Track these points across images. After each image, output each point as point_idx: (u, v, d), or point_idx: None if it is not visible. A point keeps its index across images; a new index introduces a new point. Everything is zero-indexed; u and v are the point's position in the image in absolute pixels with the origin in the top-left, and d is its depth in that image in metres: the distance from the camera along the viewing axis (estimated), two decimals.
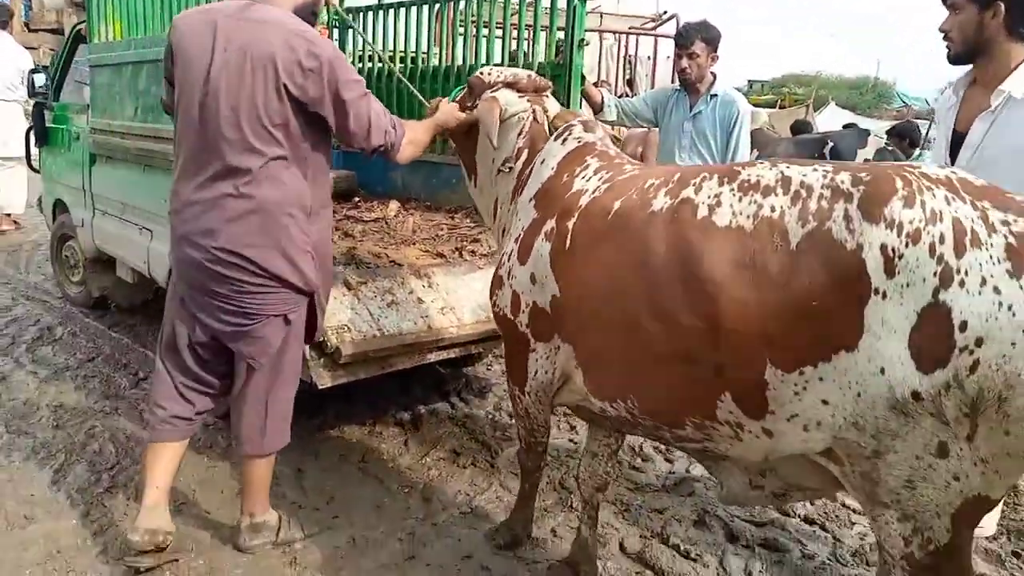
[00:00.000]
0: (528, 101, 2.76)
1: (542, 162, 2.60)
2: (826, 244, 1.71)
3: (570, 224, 2.30)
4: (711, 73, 4.11)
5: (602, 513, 3.14)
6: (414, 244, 3.82)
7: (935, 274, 1.58)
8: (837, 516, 3.23)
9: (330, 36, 5.42)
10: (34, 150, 5.96)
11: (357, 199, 4.85)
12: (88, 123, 4.81)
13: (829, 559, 2.95)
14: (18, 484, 3.20)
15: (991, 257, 1.55)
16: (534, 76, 2.87)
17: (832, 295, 1.69)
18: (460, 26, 4.78)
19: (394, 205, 4.49)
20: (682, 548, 2.95)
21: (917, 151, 6.97)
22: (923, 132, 7.40)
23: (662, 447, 3.73)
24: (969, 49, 2.63)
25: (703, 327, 1.87)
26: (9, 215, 8.26)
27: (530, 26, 4.32)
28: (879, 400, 1.65)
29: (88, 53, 4.84)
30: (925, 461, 1.66)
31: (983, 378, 1.54)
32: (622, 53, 9.73)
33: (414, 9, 4.84)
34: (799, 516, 3.24)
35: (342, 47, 5.41)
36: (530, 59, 4.21)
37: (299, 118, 2.47)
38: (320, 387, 2.98)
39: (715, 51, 4.04)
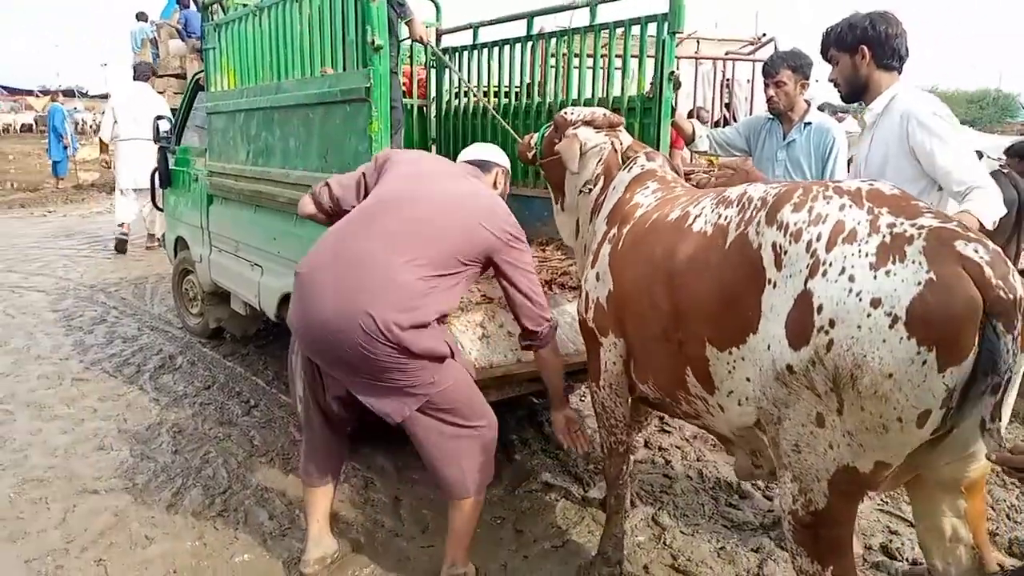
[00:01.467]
0: (605, 135, 3.16)
1: (614, 188, 3.00)
2: (744, 244, 2.05)
3: (624, 230, 2.71)
4: (805, 101, 4.02)
5: (697, 552, 3.12)
6: None
7: (808, 266, 1.85)
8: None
9: (427, 76, 5.63)
10: (159, 191, 6.42)
11: None
12: (206, 166, 5.17)
13: None
14: (141, 506, 3.43)
15: (859, 252, 1.78)
16: (608, 114, 3.25)
17: (745, 286, 2.02)
18: (551, 61, 4.87)
19: None
20: None
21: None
22: None
23: (760, 484, 3.63)
24: (852, 89, 3.06)
25: (672, 310, 2.28)
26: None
27: (619, 56, 4.35)
28: (769, 373, 1.95)
29: (206, 101, 5.22)
30: (808, 429, 1.91)
31: (837, 357, 1.77)
32: (719, 78, 9.61)
33: (507, 47, 4.97)
34: (907, 560, 3.09)
35: (439, 86, 5.61)
36: (620, 93, 4.24)
37: None
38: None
39: (805, 78, 3.95)
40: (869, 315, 1.72)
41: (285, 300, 4.07)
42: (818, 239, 1.86)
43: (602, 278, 2.76)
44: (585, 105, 4.37)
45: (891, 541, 3.22)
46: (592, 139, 3.14)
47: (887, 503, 3.59)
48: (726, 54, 9.63)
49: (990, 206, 2.64)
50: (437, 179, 2.79)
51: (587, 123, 3.20)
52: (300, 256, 2.77)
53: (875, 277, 1.73)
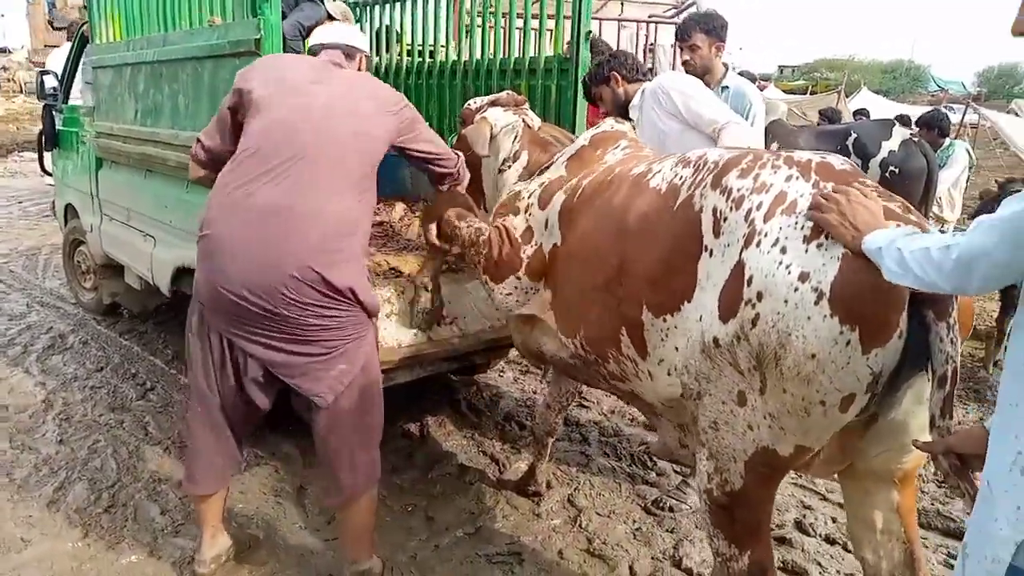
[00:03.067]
0: (514, 114, 3.13)
1: (576, 142, 2.87)
2: (688, 206, 1.95)
3: (585, 182, 2.56)
4: (723, 64, 3.91)
5: (612, 534, 3.04)
6: (417, 250, 3.69)
7: (744, 235, 1.75)
8: None
9: None
10: (46, 154, 5.93)
11: None
12: (93, 126, 4.75)
13: None
14: (17, 504, 3.13)
15: (795, 224, 1.69)
16: (511, 93, 3.29)
17: (683, 251, 1.92)
18: (467, 20, 4.63)
19: (400, 208, 4.36)
20: (695, 571, 2.81)
21: (947, 140, 6.63)
22: (955, 119, 7.08)
23: (676, 466, 3.58)
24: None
25: (616, 264, 2.16)
26: None
27: (536, 16, 4.15)
28: (696, 344, 1.86)
29: (91, 54, 4.78)
30: (728, 407, 1.84)
31: (762, 333, 1.68)
32: (643, 43, 9.49)
33: (421, 3, 4.69)
34: (819, 535, 3.08)
35: None
36: (537, 54, 4.04)
37: None
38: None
39: (720, 40, 3.83)
40: (796, 289, 1.64)
41: (179, 274, 3.78)
42: (758, 208, 1.76)
43: (551, 226, 2.62)
44: (501, 65, 4.21)
45: (804, 516, 3.21)
46: (502, 118, 3.12)
47: (801, 477, 3.59)
48: (649, 17, 9.49)
49: (742, 138, 2.96)
50: (311, 91, 2.45)
51: (493, 104, 3.21)
52: (194, 226, 2.50)
53: (807, 251, 1.65)
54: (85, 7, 7.05)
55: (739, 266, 1.74)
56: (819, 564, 2.90)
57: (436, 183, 2.92)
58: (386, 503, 3.21)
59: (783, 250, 1.68)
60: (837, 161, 1.85)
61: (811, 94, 24.77)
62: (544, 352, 2.79)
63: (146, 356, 4.77)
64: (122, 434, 3.75)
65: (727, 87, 3.91)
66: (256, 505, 3.18)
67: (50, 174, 6.07)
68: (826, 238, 1.64)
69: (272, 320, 2.30)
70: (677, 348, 1.96)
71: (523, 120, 3.13)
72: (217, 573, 2.69)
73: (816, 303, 1.61)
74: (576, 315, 2.46)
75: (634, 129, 3.01)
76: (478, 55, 4.40)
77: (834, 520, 3.17)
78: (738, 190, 1.83)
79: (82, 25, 5.38)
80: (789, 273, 1.65)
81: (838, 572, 2.86)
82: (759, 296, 1.69)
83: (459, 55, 4.59)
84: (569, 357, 2.62)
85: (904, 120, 9.51)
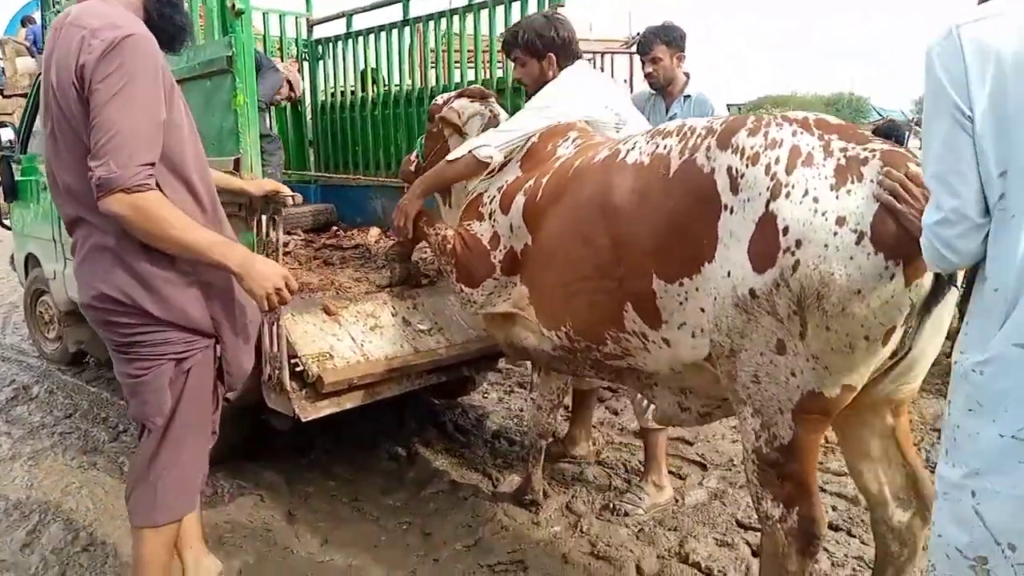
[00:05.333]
0: (480, 104, 3.20)
1: (528, 139, 2.87)
2: (691, 170, 1.98)
3: (544, 180, 2.60)
4: (684, 74, 4.01)
5: (615, 536, 2.98)
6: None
7: (768, 188, 1.80)
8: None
9: (300, 68, 5.32)
10: (3, 207, 5.80)
11: (336, 229, 4.70)
12: None
13: (858, 566, 2.76)
14: None
15: (818, 174, 1.76)
16: (479, 86, 3.40)
17: (696, 213, 1.94)
18: (431, 45, 4.70)
19: (374, 231, 4.35)
20: (703, 566, 2.75)
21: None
22: (906, 135, 7.32)
23: (676, 468, 3.54)
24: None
25: (609, 245, 2.18)
26: None
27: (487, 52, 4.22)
28: (727, 300, 1.88)
29: None
30: (767, 357, 1.86)
31: (803, 276, 1.73)
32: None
33: (383, 34, 4.75)
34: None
35: (313, 78, 5.32)
36: (503, 74, 4.10)
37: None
38: (304, 420, 2.78)
39: (680, 51, 3.93)
40: (835, 233, 1.71)
41: None
42: (776, 162, 1.81)
43: (516, 229, 2.68)
44: (456, 88, 4.26)
45: None
46: (469, 107, 3.18)
47: None
48: (604, 48, 9.74)
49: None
50: None
51: (460, 96, 3.26)
52: None
53: (837, 197, 1.72)
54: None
55: (769, 218, 1.79)
56: (826, 550, 2.86)
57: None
58: (379, 523, 3.11)
59: (815, 199, 1.74)
60: (831, 117, 1.91)
61: None
62: (527, 347, 2.80)
63: (115, 400, 4.59)
64: (97, 475, 3.59)
65: (689, 95, 4.00)
66: (244, 535, 3.04)
67: (9, 228, 5.92)
68: (852, 183, 1.72)
69: None
70: (703, 309, 1.98)
71: (490, 111, 3.18)
72: None
73: (858, 243, 1.68)
74: (560, 308, 2.49)
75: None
76: (443, 81, 4.46)
77: (835, 508, 3.14)
78: (751, 148, 1.86)
79: (39, 74, 5.32)
80: (826, 219, 1.71)
81: (846, 555, 2.83)
82: (798, 244, 1.74)
83: (425, 83, 4.64)
84: (552, 350, 2.66)
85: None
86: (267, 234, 2.71)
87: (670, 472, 3.41)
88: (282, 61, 5.20)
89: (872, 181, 1.70)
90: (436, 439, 3.96)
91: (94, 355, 5.24)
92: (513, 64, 3.18)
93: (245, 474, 3.49)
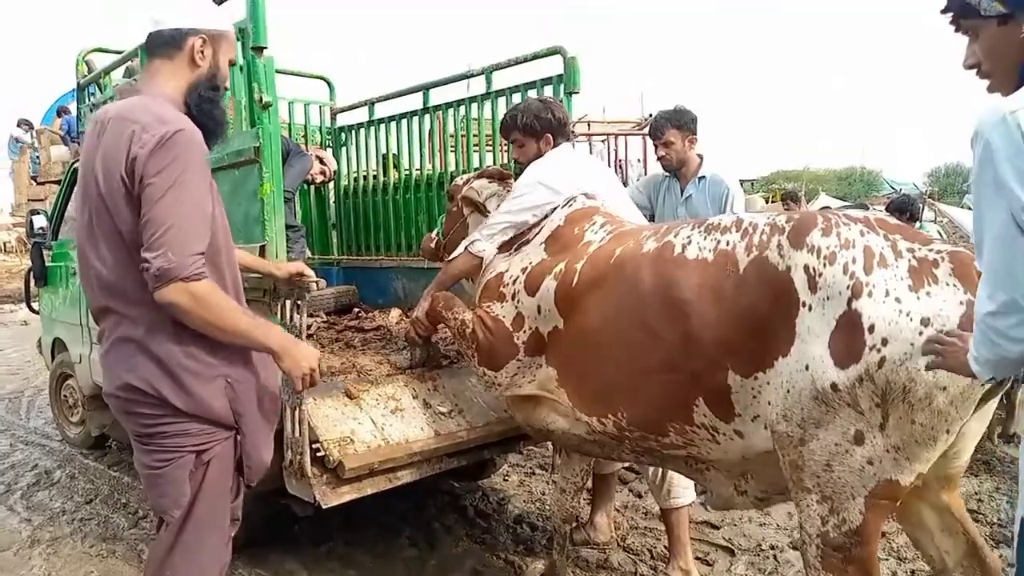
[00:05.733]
0: (499, 184, 3.34)
1: (548, 219, 2.94)
2: (765, 268, 2.07)
3: (578, 266, 2.64)
4: (697, 156, 4.08)
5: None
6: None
7: (848, 287, 1.90)
8: None
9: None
10: (33, 292, 5.92)
11: (358, 310, 4.75)
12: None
13: None
14: None
15: (895, 275, 1.88)
16: (497, 168, 3.53)
17: (773, 310, 2.02)
18: (450, 130, 4.84)
19: (395, 313, 4.38)
20: None
21: (917, 224, 6.83)
22: (921, 207, 7.33)
23: (702, 554, 3.45)
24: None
25: (680, 341, 2.21)
26: None
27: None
28: (805, 393, 1.95)
29: None
30: (843, 447, 1.93)
31: (889, 371, 1.83)
32: (612, 157, 9.90)
33: (404, 121, 4.90)
34: None
35: (336, 164, 5.47)
36: (510, 162, 4.19)
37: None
38: (324, 506, 2.75)
39: (692, 134, 4.01)
40: (921, 333, 1.81)
41: None
42: (854, 262, 1.92)
43: (544, 314, 2.70)
44: (474, 171, 4.38)
45: None
46: (487, 187, 3.32)
47: None
48: (618, 130, 9.95)
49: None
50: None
51: (479, 177, 3.42)
52: None
53: (918, 298, 1.85)
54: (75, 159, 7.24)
55: (852, 315, 1.89)
56: None
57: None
58: None
59: (897, 299, 1.86)
60: (888, 217, 2.07)
61: (771, 203, 25.60)
62: (552, 430, 2.78)
63: (136, 485, 4.57)
64: (116, 563, 3.55)
65: (704, 176, 4.07)
66: None
67: (37, 312, 6.04)
68: (929, 285, 1.85)
69: None
70: (770, 403, 2.05)
71: (507, 191, 3.23)
72: None
73: None
74: (610, 397, 2.49)
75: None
76: (462, 166, 4.57)
77: None
78: (828, 247, 1.97)
79: (73, 163, 5.52)
80: (911, 320, 1.83)
81: None
82: (884, 342, 1.84)
83: (444, 167, 4.77)
84: (588, 434, 2.63)
85: (864, 206, 9.90)
86: (291, 319, 2.75)
87: (696, 558, 3.32)
88: (307, 148, 5.36)
89: (948, 284, 1.84)
90: (457, 524, 3.89)
91: (117, 439, 5.26)
92: (512, 145, 3.31)
93: (265, 563, 3.44)
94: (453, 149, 4.81)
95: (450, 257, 3.14)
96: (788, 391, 1.99)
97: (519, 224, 3.02)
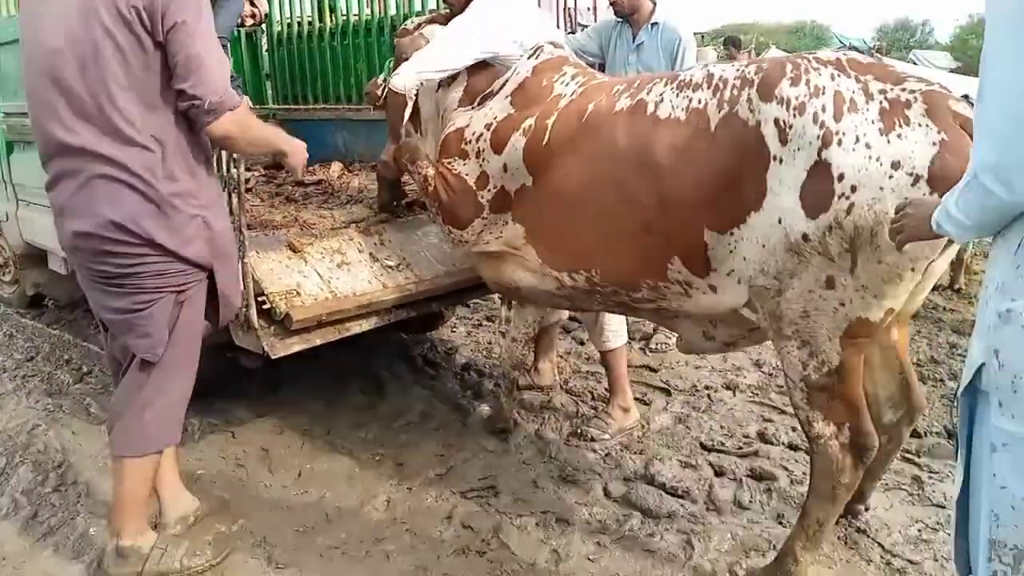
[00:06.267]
0: None
1: (515, 71, 2.79)
2: (736, 124, 2.04)
3: (549, 122, 2.56)
4: (650, 1, 3.96)
5: (583, 460, 3.07)
6: (361, 203, 3.62)
7: (818, 137, 1.89)
8: None
9: None
10: None
11: None
12: (0, 107, 4.48)
13: None
14: None
15: (865, 119, 1.86)
16: (448, 12, 3.17)
17: (744, 165, 2.02)
18: None
19: (336, 167, 4.28)
20: (668, 487, 2.86)
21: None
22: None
23: (641, 395, 3.63)
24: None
25: (655, 202, 2.21)
26: None
27: None
28: (779, 245, 1.99)
29: None
30: (816, 293, 1.99)
31: (858, 217, 1.86)
32: (561, 5, 9.48)
33: None
34: (783, 444, 3.18)
35: (268, 10, 5.13)
36: (439, 5, 3.98)
37: None
38: (273, 357, 2.77)
39: None
40: (891, 176, 1.82)
41: None
42: (823, 110, 1.89)
43: (512, 171, 2.63)
44: (417, 16, 4.17)
45: (766, 429, 3.30)
46: (439, 31, 3.04)
47: (758, 395, 3.69)
48: None
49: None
50: None
51: (431, 22, 3.17)
52: None
53: (888, 141, 1.83)
54: None
55: (822, 166, 1.88)
56: (786, 468, 2.99)
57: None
58: (353, 455, 3.17)
59: (867, 145, 1.84)
60: (861, 57, 2.04)
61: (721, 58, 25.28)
62: (520, 286, 2.81)
63: (78, 343, 4.55)
64: (63, 417, 3.57)
65: (656, 23, 3.97)
66: (216, 470, 3.08)
67: None
68: (901, 127, 1.83)
69: None
70: (746, 258, 2.08)
71: None
72: (187, 534, 2.59)
73: (914, 184, 1.80)
74: (583, 254, 2.51)
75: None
76: (404, 10, 4.34)
77: (794, 429, 3.26)
78: (797, 97, 1.93)
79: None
80: (880, 164, 1.83)
81: (804, 473, 2.94)
82: (853, 189, 1.85)
83: (384, 12, 4.52)
84: (557, 289, 2.67)
85: None
86: (228, 170, 2.66)
87: (636, 399, 3.49)
88: None
89: (920, 124, 1.81)
90: (406, 373, 4.00)
91: (54, 297, 5.15)
92: None
93: (215, 412, 3.50)
94: None
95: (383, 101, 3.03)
96: (763, 245, 2.02)
97: (442, 70, 2.87)
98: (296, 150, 2.43)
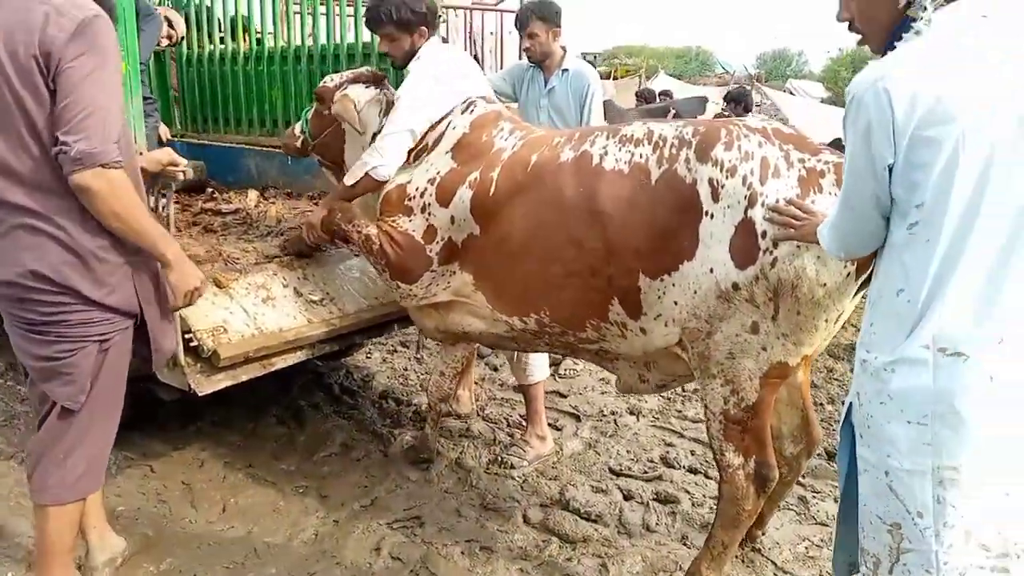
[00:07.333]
0: (376, 89, 3.19)
1: (451, 126, 2.90)
2: (674, 180, 2.26)
3: (493, 174, 2.70)
4: (560, 47, 4.18)
5: (503, 488, 3.23)
6: (281, 235, 3.66)
7: (746, 197, 2.13)
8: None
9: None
10: None
11: (211, 190, 4.57)
12: None
13: (715, 504, 3.15)
14: None
15: (786, 184, 2.11)
16: (372, 69, 3.34)
17: (680, 218, 2.24)
18: (295, 4, 4.62)
19: (253, 195, 4.29)
20: (582, 511, 3.06)
21: (750, 115, 7.45)
22: (752, 99, 7.94)
23: (552, 420, 3.83)
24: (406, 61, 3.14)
25: (600, 247, 2.40)
26: None
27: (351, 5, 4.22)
28: (709, 292, 2.20)
29: None
30: (742, 337, 2.22)
31: (780, 271, 2.10)
32: (467, 31, 9.67)
33: None
34: (684, 467, 3.44)
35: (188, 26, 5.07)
36: (370, 39, 4.10)
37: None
38: (200, 394, 2.80)
39: (557, 26, 4.08)
40: None
41: None
42: (752, 173, 2.13)
43: (460, 222, 2.75)
44: (335, 49, 4.28)
45: (668, 452, 3.56)
46: (364, 94, 3.16)
47: (659, 419, 3.96)
48: (473, 4, 9.70)
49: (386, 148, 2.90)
50: None
51: (353, 82, 3.21)
52: None
53: None
54: None
55: (748, 223, 2.12)
56: (687, 491, 3.25)
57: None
58: (276, 487, 3.21)
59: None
60: (783, 127, 2.32)
61: (614, 79, 26.16)
62: (468, 332, 2.95)
63: None
64: None
65: (567, 69, 4.19)
66: (137, 506, 3.06)
67: None
68: (815, 194, 2.09)
69: None
70: (676, 302, 2.29)
71: (384, 95, 3.17)
72: None
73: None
74: (533, 298, 2.65)
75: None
76: (324, 41, 4.40)
77: (693, 453, 3.55)
78: (729, 161, 2.17)
79: None
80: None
81: (704, 496, 3.22)
82: (775, 244, 2.09)
83: (302, 42, 4.56)
84: (506, 332, 2.82)
85: (704, 99, 10.58)
86: (159, 209, 2.68)
87: (548, 424, 3.69)
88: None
89: (831, 193, 2.06)
90: (324, 402, 4.05)
91: None
92: (382, 40, 3.12)
93: (132, 446, 3.44)
94: (311, 13, 4.57)
95: (349, 182, 2.98)
96: (695, 292, 2.22)
97: (418, 132, 2.92)
98: (183, 268, 2.18)
